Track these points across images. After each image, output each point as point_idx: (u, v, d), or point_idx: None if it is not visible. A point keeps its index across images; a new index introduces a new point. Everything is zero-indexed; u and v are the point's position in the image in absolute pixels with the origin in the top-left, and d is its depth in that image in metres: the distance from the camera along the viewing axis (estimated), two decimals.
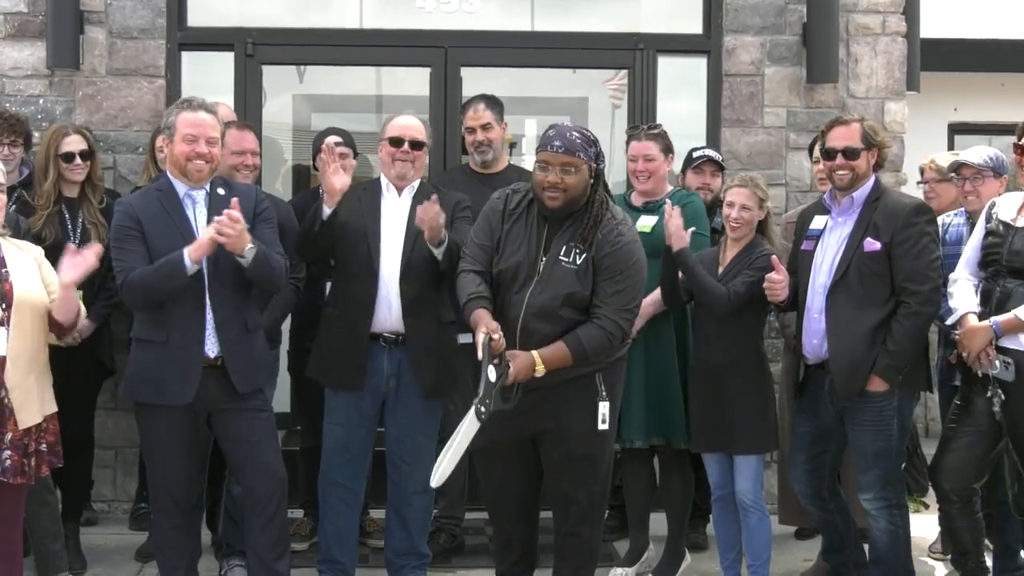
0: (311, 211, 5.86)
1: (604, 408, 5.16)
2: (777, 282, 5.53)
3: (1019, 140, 5.57)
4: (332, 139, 6.12)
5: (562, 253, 5.12)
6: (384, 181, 5.99)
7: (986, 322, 5.21)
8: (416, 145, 5.97)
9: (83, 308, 5.19)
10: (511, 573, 5.66)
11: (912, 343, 5.45)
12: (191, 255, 5.14)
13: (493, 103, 6.83)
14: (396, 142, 5.93)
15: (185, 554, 5.65)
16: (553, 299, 5.08)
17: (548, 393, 5.11)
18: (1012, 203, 5.56)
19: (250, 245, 5.19)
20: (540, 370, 4.90)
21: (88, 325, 5.28)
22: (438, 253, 5.72)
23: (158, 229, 5.34)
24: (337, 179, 5.71)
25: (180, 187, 5.44)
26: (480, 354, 4.84)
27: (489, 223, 5.36)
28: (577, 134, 5.15)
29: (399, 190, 6.00)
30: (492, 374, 4.82)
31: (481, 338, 4.84)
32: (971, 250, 5.63)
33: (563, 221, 5.18)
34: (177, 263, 5.16)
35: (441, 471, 4.97)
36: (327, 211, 5.74)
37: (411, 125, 6.03)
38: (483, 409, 4.81)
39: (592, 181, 5.15)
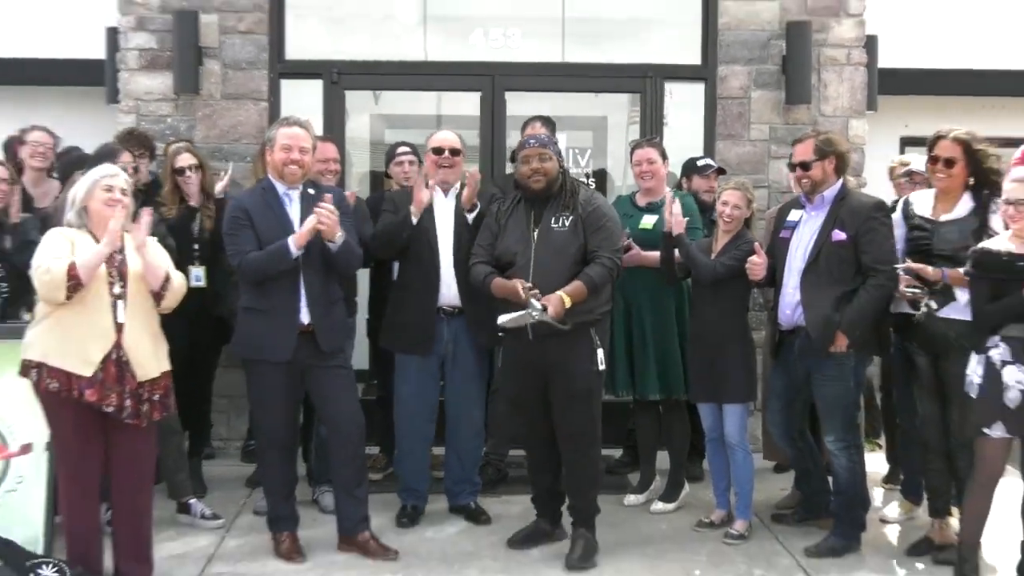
0: (397, 220, 5.97)
1: (600, 353, 5.43)
2: (757, 264, 5.63)
3: (930, 152, 5.61)
4: (437, 143, 6.16)
5: (552, 221, 5.44)
6: (426, 179, 6.06)
7: (938, 270, 5.30)
8: (454, 152, 6.11)
9: (177, 275, 5.23)
10: (543, 495, 5.85)
11: (872, 308, 5.47)
12: (296, 243, 5.30)
13: (547, 122, 6.82)
14: (438, 151, 6.07)
15: (285, 482, 5.74)
16: (555, 258, 5.40)
17: (557, 344, 5.33)
18: (926, 201, 5.67)
19: (340, 233, 5.35)
20: (568, 303, 5.17)
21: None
22: (470, 217, 6.02)
23: (263, 220, 5.45)
24: (426, 195, 5.89)
25: (279, 187, 5.54)
26: (523, 295, 5.14)
27: (489, 227, 5.70)
28: (544, 134, 5.68)
29: (444, 191, 6.11)
30: (537, 304, 5.12)
31: (520, 286, 5.18)
32: (899, 238, 5.68)
33: (545, 203, 5.48)
34: (285, 250, 5.32)
35: (503, 321, 5.29)
36: (415, 220, 5.91)
37: (448, 138, 6.17)
38: (534, 313, 5.11)
39: (560, 170, 5.50)
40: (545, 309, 5.13)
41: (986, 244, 5.06)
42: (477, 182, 6.07)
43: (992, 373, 4.97)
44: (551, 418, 5.61)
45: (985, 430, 4.98)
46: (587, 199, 5.55)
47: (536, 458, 5.85)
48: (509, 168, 7.35)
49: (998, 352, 4.96)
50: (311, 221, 5.28)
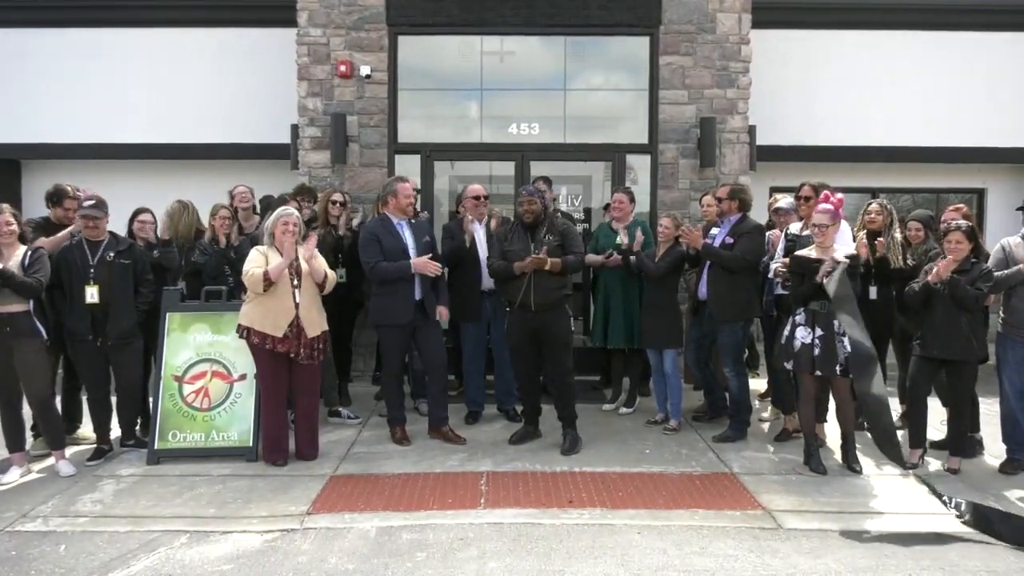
0: (457, 246, 5.92)
1: (571, 321, 5.59)
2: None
3: (797, 194, 5.76)
4: (475, 192, 6.10)
5: (545, 241, 5.41)
6: (469, 217, 6.01)
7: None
8: (485, 197, 6.12)
9: (331, 273, 5.24)
10: (529, 409, 5.74)
11: (728, 259, 5.53)
12: (413, 268, 5.37)
13: (546, 179, 6.82)
14: (477, 198, 6.05)
15: (399, 395, 5.74)
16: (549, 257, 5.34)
17: (546, 314, 5.36)
18: (796, 226, 5.69)
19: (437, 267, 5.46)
20: (549, 265, 5.28)
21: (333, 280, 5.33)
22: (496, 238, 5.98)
23: (386, 239, 5.43)
24: (474, 226, 5.98)
25: (395, 219, 5.52)
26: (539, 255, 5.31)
27: (499, 243, 5.60)
28: (534, 188, 5.61)
29: (480, 221, 6.08)
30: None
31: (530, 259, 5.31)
32: (780, 249, 5.64)
33: (536, 229, 5.47)
34: (407, 268, 5.37)
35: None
36: (468, 242, 5.92)
37: (482, 188, 6.17)
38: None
39: (544, 209, 5.51)
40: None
41: (798, 252, 5.16)
42: (501, 217, 6.20)
43: (792, 329, 5.04)
44: (537, 362, 5.59)
45: (784, 364, 5.09)
46: (562, 227, 5.57)
47: (526, 386, 5.72)
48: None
49: (799, 317, 5.03)
50: (426, 265, 5.35)
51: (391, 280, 5.39)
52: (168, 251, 5.76)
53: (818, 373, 4.94)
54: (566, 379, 5.52)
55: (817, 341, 4.89)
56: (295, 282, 5.04)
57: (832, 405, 5.51)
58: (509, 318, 5.57)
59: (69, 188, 5.53)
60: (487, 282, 6.00)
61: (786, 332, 5.06)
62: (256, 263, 4.94)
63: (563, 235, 5.48)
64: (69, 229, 5.37)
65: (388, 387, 5.71)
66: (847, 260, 4.83)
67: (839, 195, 5.08)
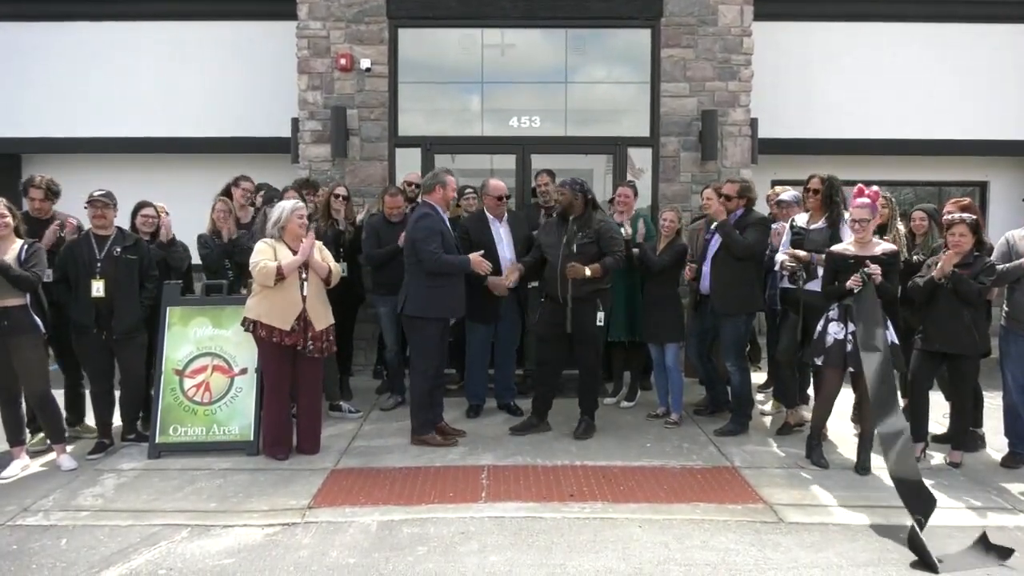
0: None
1: (600, 315, 5.44)
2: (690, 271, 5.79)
3: (804, 186, 5.62)
4: (497, 192, 5.98)
5: (578, 235, 5.40)
6: (489, 216, 5.96)
7: (808, 253, 5.30)
8: (507, 196, 6.07)
9: (335, 267, 5.23)
10: (540, 402, 5.73)
11: (738, 244, 5.47)
12: (471, 263, 5.34)
13: (549, 172, 6.72)
14: (499, 197, 5.97)
15: (431, 397, 5.46)
16: (577, 254, 5.36)
17: (576, 306, 5.34)
18: (802, 217, 5.59)
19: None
20: (588, 273, 5.28)
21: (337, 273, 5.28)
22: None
23: (445, 232, 5.34)
24: (495, 225, 5.96)
25: (441, 212, 5.43)
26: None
27: (538, 235, 5.69)
28: (568, 181, 5.52)
29: (499, 219, 6.02)
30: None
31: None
32: (784, 242, 5.58)
33: (572, 221, 5.46)
34: (466, 265, 5.32)
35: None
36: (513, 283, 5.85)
37: (503, 185, 6.07)
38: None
39: (584, 202, 5.46)
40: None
41: (834, 248, 5.04)
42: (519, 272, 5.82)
43: (825, 324, 4.96)
44: (563, 355, 5.60)
45: (815, 359, 5.00)
46: (598, 224, 5.48)
47: (546, 375, 5.70)
48: (532, 200, 7.17)
49: (832, 313, 4.94)
50: (480, 263, 5.37)
51: (446, 273, 5.32)
52: (174, 250, 5.75)
53: (850, 370, 4.86)
54: (591, 370, 5.59)
55: (850, 337, 4.79)
56: (303, 275, 5.03)
57: (839, 401, 5.50)
58: (541, 309, 5.62)
59: (37, 177, 5.48)
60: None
61: (819, 328, 4.96)
62: (265, 255, 4.93)
63: (598, 234, 5.41)
64: (56, 224, 5.40)
65: (421, 387, 5.39)
66: (878, 275, 4.71)
67: (874, 187, 5.01)
